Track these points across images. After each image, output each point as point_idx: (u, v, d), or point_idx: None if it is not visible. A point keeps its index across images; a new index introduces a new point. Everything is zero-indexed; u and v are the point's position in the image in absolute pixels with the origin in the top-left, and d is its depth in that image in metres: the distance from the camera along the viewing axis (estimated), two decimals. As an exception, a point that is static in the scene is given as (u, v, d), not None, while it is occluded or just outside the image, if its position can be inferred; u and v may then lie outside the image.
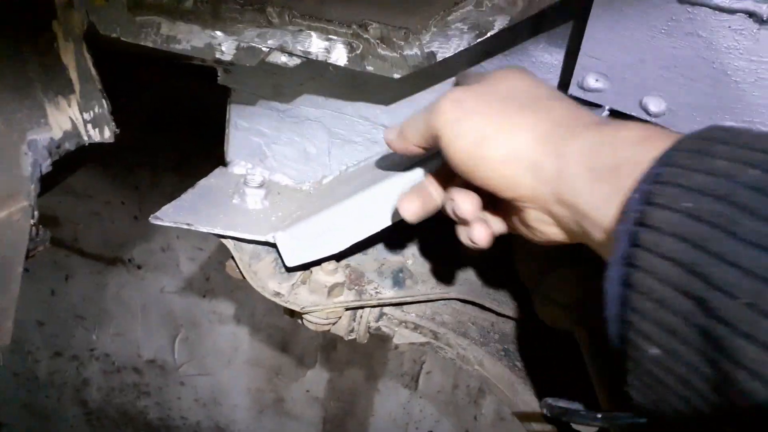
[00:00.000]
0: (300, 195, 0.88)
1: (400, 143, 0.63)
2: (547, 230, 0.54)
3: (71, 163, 0.68)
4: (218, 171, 0.90)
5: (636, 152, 0.42)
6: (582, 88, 0.63)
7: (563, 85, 0.72)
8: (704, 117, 0.58)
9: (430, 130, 0.56)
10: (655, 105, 0.60)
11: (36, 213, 0.64)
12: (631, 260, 0.38)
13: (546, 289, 0.81)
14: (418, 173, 0.72)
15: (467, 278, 0.94)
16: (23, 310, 2.89)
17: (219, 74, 0.83)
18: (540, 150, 0.49)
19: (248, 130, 0.87)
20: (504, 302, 0.93)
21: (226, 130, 0.88)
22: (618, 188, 0.42)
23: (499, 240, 0.67)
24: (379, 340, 2.64)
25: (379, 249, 0.93)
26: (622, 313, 0.39)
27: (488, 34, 0.63)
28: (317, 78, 0.81)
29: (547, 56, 0.73)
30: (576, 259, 0.81)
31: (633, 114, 0.62)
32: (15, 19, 0.58)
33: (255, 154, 0.89)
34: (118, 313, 2.86)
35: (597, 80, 0.62)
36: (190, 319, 2.84)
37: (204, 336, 2.86)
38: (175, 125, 2.13)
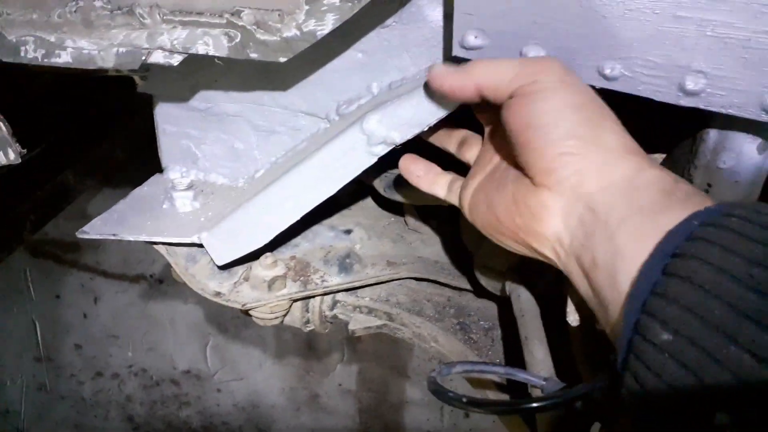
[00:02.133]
0: (235, 192, 0.88)
1: (459, 78, 0.55)
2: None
3: None
4: (153, 178, 0.90)
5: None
6: (463, 47, 0.61)
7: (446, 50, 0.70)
8: (583, 59, 0.55)
9: (524, 78, 0.50)
10: (534, 53, 0.56)
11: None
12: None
13: (483, 257, 0.78)
14: (324, 156, 0.70)
15: (420, 256, 0.93)
16: (61, 335, 3.01)
17: (137, 83, 0.84)
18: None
19: (176, 134, 0.87)
20: (459, 276, 0.91)
21: (156, 136, 0.89)
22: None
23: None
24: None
25: (325, 236, 0.92)
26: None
27: (362, 4, 0.61)
28: (228, 73, 0.80)
29: (440, 16, 0.70)
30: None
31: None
32: None
33: (186, 156, 0.89)
34: (148, 328, 2.95)
35: (476, 37, 0.59)
36: (217, 327, 2.89)
37: (232, 341, 2.91)
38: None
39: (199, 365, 2.94)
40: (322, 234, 0.92)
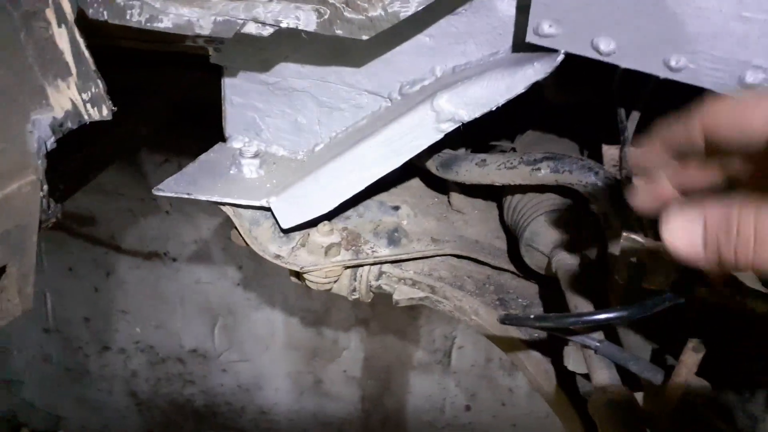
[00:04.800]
0: (295, 164, 0.93)
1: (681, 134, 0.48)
2: None
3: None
4: (218, 146, 0.95)
5: None
6: (537, 34, 0.66)
7: (520, 36, 0.75)
8: (651, 51, 0.60)
9: None
10: (605, 45, 0.62)
11: (45, 186, 0.70)
12: None
13: (529, 236, 0.83)
14: (392, 131, 0.76)
15: (462, 235, 0.98)
16: (71, 307, 3.04)
17: (210, 53, 0.89)
18: None
19: (242, 105, 0.93)
20: (499, 255, 0.96)
21: (222, 107, 0.94)
22: None
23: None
24: (410, 317, 2.69)
25: (375, 211, 0.98)
26: None
27: (448, -11, 0.66)
28: (300, 50, 0.85)
29: (509, 9, 0.75)
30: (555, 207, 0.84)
31: (585, 55, 0.65)
32: (10, 10, 0.64)
33: (250, 128, 0.94)
34: (158, 306, 2.97)
35: (550, 26, 0.65)
36: (227, 308, 2.92)
37: (241, 323, 2.94)
38: (197, 120, 2.21)
39: (206, 345, 2.97)
40: (371, 209, 0.97)
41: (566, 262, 0.79)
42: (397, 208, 0.99)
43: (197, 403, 3.15)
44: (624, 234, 0.54)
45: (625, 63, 0.64)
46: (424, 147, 0.76)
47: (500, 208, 0.97)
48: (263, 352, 2.98)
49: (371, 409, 2.95)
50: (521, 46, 0.74)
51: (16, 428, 3.25)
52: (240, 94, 0.92)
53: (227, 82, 0.92)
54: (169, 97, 2.14)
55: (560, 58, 0.67)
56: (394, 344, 2.80)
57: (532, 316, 0.56)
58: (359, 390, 2.95)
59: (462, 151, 0.95)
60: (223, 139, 0.97)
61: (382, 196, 1.01)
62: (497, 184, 0.84)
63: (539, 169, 0.80)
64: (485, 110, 0.72)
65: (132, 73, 1.85)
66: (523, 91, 0.70)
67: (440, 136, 0.75)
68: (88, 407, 3.25)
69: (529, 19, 0.67)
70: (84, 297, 3.02)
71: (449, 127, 0.74)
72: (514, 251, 0.93)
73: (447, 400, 2.84)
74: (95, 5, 0.68)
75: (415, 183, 1.07)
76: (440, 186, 1.04)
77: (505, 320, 0.60)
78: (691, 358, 0.52)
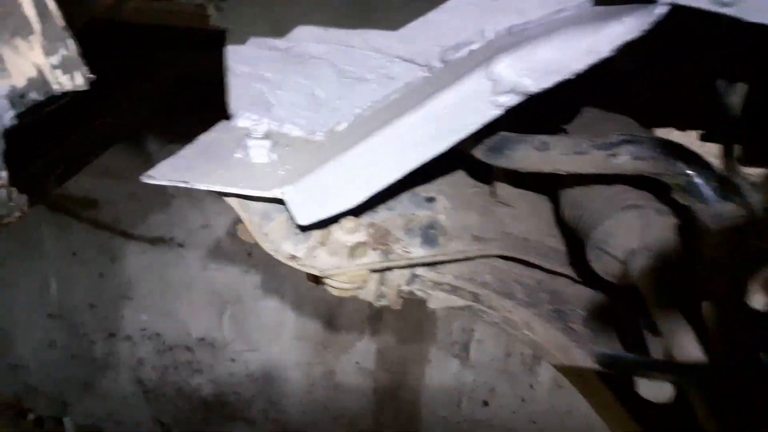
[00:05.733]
0: (312, 146, 0.78)
1: None
2: None
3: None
4: (220, 125, 0.81)
5: None
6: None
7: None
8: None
9: None
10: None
11: (3, 173, 0.56)
12: None
13: (600, 238, 0.68)
14: (437, 105, 0.60)
15: (508, 232, 0.83)
16: (76, 293, 2.96)
17: (210, 14, 0.74)
18: None
19: (249, 75, 0.78)
20: (552, 257, 0.81)
21: (225, 79, 0.79)
22: None
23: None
24: (427, 309, 2.56)
25: (406, 203, 0.83)
26: None
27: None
28: (319, 7, 0.70)
29: None
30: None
31: (697, 6, 0.49)
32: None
33: (259, 102, 0.79)
34: (165, 293, 2.89)
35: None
36: (235, 296, 2.84)
37: (249, 312, 2.85)
38: (203, 98, 2.07)
39: (215, 333, 2.88)
40: (402, 200, 0.82)
41: (649, 270, 0.64)
42: (432, 199, 0.83)
43: (205, 392, 3.09)
44: None
45: (751, 16, 0.48)
46: (478, 126, 0.61)
47: (555, 200, 0.82)
48: (273, 342, 2.89)
49: (384, 401, 2.86)
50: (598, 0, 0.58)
51: (22, 413, 3.18)
52: (246, 63, 0.77)
53: (231, 49, 0.76)
54: (171, 75, 2.01)
55: (662, 10, 0.52)
56: (410, 336, 2.70)
57: (639, 360, 0.41)
58: (372, 382, 2.86)
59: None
60: (227, 117, 0.82)
61: (415, 186, 0.86)
62: (562, 172, 0.68)
63: (616, 155, 0.64)
64: (558, 79, 0.57)
65: (128, 52, 1.73)
66: (609, 54, 0.54)
67: (498, 112, 0.59)
68: (94, 394, 3.20)
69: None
70: (89, 283, 2.95)
71: (510, 100, 0.58)
72: (574, 253, 0.78)
73: (464, 394, 2.75)
74: (61, -58, 0.53)
75: (452, 170, 0.91)
76: (481, 173, 0.89)
77: (604, 363, 0.45)
78: None
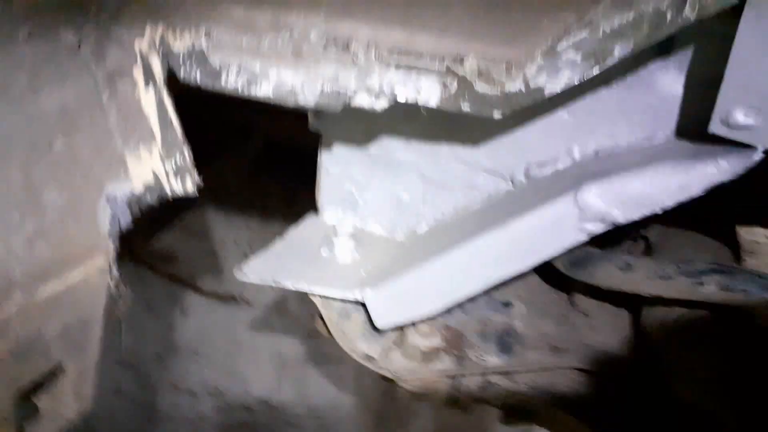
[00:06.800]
0: (392, 246, 0.80)
1: None
2: None
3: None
4: (309, 219, 0.85)
5: None
6: (726, 124, 0.51)
7: (691, 120, 0.60)
8: None
9: None
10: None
11: (115, 272, 0.61)
12: None
13: (689, 362, 0.66)
14: (523, 226, 0.62)
15: (587, 343, 0.81)
16: (146, 343, 3.06)
17: (309, 119, 0.79)
18: None
19: (340, 176, 0.82)
20: (630, 372, 0.79)
21: (317, 176, 0.83)
22: None
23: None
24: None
25: (482, 306, 0.83)
26: None
27: (607, 64, 0.53)
28: (411, 121, 0.74)
29: (673, 85, 0.61)
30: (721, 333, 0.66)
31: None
32: (94, 69, 0.56)
33: (346, 201, 0.83)
34: (230, 350, 2.94)
35: (746, 115, 0.50)
36: (298, 359, 2.85)
37: (310, 376, 2.85)
38: (283, 166, 2.17)
39: (276, 395, 2.89)
40: (478, 303, 0.83)
41: (731, 403, 0.61)
42: (508, 304, 0.83)
43: (260, 455, 3.06)
44: None
45: None
46: (561, 250, 0.61)
47: (636, 314, 0.80)
48: (332, 409, 2.86)
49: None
50: (690, 132, 0.59)
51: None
52: (338, 164, 0.81)
53: (326, 150, 0.81)
54: (259, 139, 2.12)
55: (758, 157, 0.52)
56: (472, 416, 2.61)
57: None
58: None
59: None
60: (315, 209, 0.87)
61: (491, 289, 0.86)
62: (644, 294, 0.68)
63: (703, 283, 0.63)
64: (646, 212, 0.57)
65: (223, 114, 1.84)
66: (700, 194, 0.54)
67: (583, 238, 0.60)
68: (154, 446, 3.22)
69: (717, 104, 0.52)
70: (159, 334, 3.04)
71: (596, 228, 0.59)
72: (653, 369, 0.75)
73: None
74: (187, 65, 0.59)
75: (529, 274, 0.91)
76: (559, 278, 0.88)
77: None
78: None
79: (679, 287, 0.65)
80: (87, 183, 0.57)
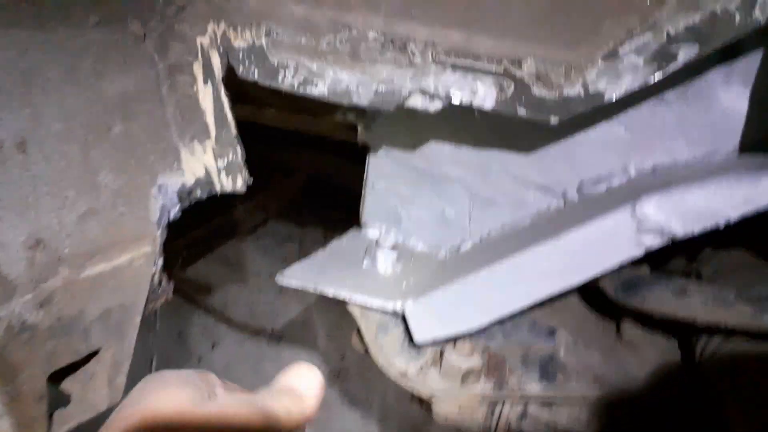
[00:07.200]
0: (435, 262, 0.79)
1: None
2: None
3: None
4: (352, 233, 0.84)
5: None
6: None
7: (755, 137, 0.58)
8: None
9: None
10: None
11: (160, 261, 0.61)
12: None
13: (742, 398, 0.61)
14: (576, 238, 0.59)
15: (633, 377, 0.77)
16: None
17: (359, 131, 0.79)
18: None
19: (385, 191, 0.81)
20: (678, 413, 0.74)
21: (363, 191, 0.83)
22: None
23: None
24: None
25: (525, 333, 0.80)
26: None
27: (670, 69, 0.51)
28: (461, 132, 0.73)
29: (736, 100, 0.59)
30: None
31: None
32: (156, 61, 0.58)
33: (390, 216, 0.82)
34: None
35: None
36: (324, 399, 2.79)
37: (334, 419, 2.78)
38: (323, 202, 2.19)
39: None
40: (521, 328, 0.80)
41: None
42: (553, 332, 0.80)
43: (279, 496, 2.97)
44: None
45: None
46: (615, 265, 0.59)
47: (687, 342, 0.76)
48: (356, 450, 2.78)
49: None
50: (754, 149, 0.57)
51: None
52: (384, 178, 0.81)
53: (372, 164, 0.81)
54: (301, 177, 2.15)
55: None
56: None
57: None
58: None
59: (645, 270, 0.76)
60: (348, 218, 0.86)
61: (535, 313, 0.83)
62: (701, 322, 0.64)
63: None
64: (708, 225, 0.54)
65: (267, 152, 1.88)
66: (758, 208, 0.52)
67: (639, 252, 0.57)
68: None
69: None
70: (188, 364, 3.03)
71: (654, 241, 0.56)
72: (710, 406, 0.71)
73: None
74: (246, 63, 0.60)
75: (574, 298, 0.88)
76: (604, 304, 0.85)
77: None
78: None
79: (740, 315, 0.61)
80: (141, 170, 0.58)
